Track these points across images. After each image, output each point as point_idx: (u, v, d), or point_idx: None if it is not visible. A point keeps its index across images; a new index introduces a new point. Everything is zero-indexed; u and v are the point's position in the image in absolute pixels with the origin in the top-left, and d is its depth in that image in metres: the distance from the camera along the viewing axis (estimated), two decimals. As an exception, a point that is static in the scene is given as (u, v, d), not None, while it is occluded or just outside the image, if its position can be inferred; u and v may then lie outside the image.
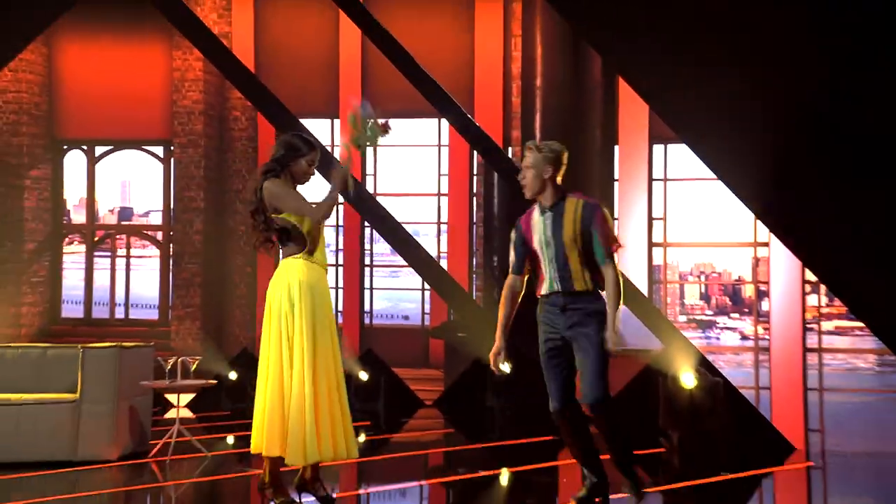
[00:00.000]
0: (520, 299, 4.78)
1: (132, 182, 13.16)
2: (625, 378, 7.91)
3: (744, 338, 9.76)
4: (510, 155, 9.69)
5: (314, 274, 4.90)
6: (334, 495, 4.96)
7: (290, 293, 4.77)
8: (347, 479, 5.93)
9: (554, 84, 9.05)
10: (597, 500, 4.66)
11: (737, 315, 10.18)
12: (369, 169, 12.08)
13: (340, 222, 12.38)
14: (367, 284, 12.45)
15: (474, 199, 11.44)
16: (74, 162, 12.73)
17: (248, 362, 8.74)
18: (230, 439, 7.59)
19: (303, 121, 9.32)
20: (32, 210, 12.27)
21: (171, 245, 12.36)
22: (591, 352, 4.50)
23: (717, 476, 6.15)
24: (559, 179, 4.70)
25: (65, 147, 12.68)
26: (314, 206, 4.82)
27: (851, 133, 5.90)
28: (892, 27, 5.21)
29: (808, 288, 8.03)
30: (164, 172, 12.59)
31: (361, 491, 4.90)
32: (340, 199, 11.97)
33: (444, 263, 11.07)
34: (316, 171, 5.04)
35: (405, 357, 11.41)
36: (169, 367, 6.31)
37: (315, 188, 5.52)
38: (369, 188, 11.64)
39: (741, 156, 6.58)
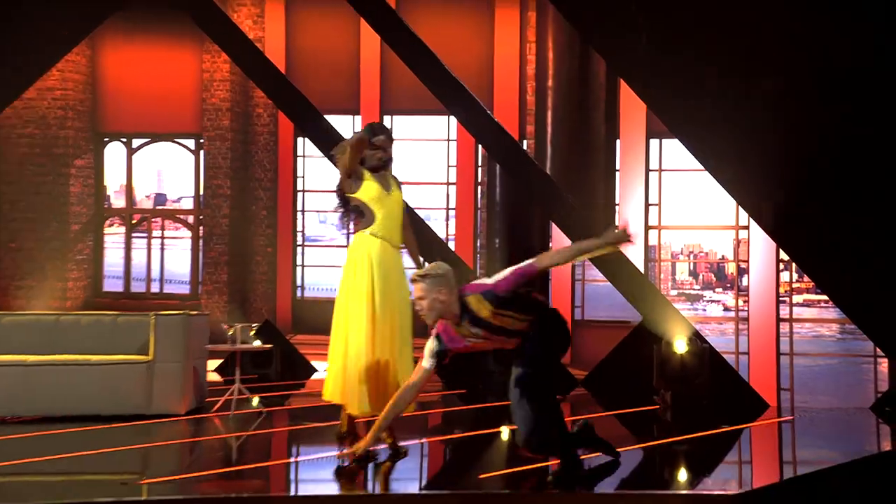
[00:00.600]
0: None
1: (166, 171, 12.87)
2: (611, 343, 7.89)
3: (726, 309, 9.73)
4: (525, 147, 9.55)
5: (380, 247, 4.90)
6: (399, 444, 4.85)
7: (362, 264, 4.76)
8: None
9: (564, 84, 8.91)
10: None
11: (720, 290, 10.13)
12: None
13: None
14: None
15: (479, 187, 11.31)
16: (114, 153, 12.46)
17: (270, 332, 8.57)
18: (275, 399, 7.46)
19: (327, 117, 9.14)
20: (77, 195, 12.00)
21: (201, 227, 12.16)
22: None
23: (714, 429, 6.11)
24: (452, 293, 4.12)
25: (106, 139, 12.39)
26: None
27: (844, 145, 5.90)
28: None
29: (781, 266, 7.99)
30: (194, 162, 12.36)
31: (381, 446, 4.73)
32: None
33: (451, 245, 10.92)
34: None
35: (415, 329, 11.30)
36: (231, 332, 6.16)
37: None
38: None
39: (726, 149, 6.57)
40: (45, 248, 11.76)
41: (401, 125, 11.63)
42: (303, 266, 12.43)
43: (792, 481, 4.63)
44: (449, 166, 11.50)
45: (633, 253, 8.19)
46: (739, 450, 6.18)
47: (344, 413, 4.85)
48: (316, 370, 8.51)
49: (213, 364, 8.64)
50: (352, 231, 5.11)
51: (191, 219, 12.47)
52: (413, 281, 4.22)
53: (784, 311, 8.01)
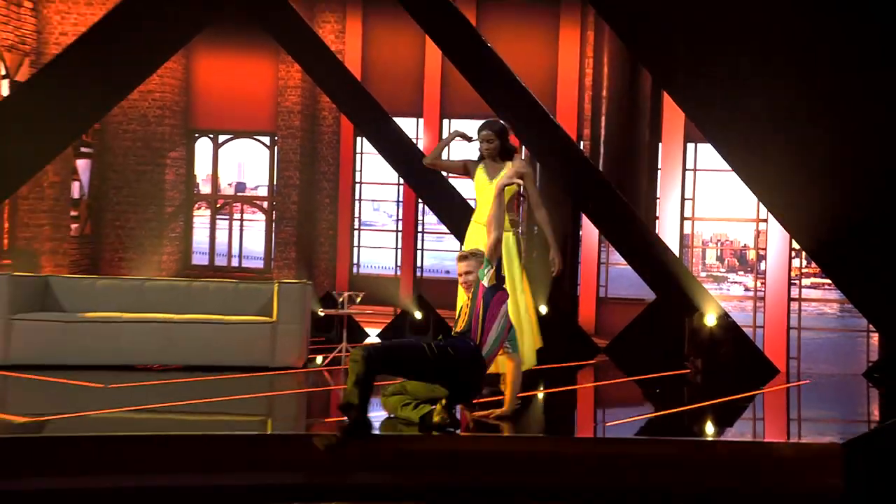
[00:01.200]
0: None
1: (246, 163, 12.99)
2: (630, 317, 7.89)
3: (746, 290, 9.69)
4: (581, 147, 9.50)
5: (474, 230, 5.05)
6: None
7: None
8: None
9: (615, 94, 8.90)
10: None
11: (742, 273, 10.12)
12: (444, 156, 11.96)
13: (400, 198, 12.31)
14: (419, 246, 12.42)
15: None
16: (203, 146, 12.54)
17: (330, 302, 8.57)
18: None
19: (396, 119, 9.18)
20: (171, 182, 12.09)
21: (274, 212, 12.25)
22: None
23: (741, 393, 6.09)
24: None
25: (196, 135, 12.47)
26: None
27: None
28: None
29: (793, 254, 8.01)
30: (269, 156, 12.44)
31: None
32: (400, 179, 11.88)
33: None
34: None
35: (447, 302, 11.30)
36: (341, 299, 6.29)
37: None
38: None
39: (750, 152, 6.64)
40: (145, 227, 11.88)
41: (457, 128, 11.67)
42: (359, 247, 12.57)
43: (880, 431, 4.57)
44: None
45: (671, 240, 8.26)
46: (754, 409, 6.16)
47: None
48: (368, 335, 8.41)
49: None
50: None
51: (265, 204, 12.59)
52: (461, 258, 4.35)
53: (794, 292, 8.06)
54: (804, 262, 8.79)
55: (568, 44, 10.69)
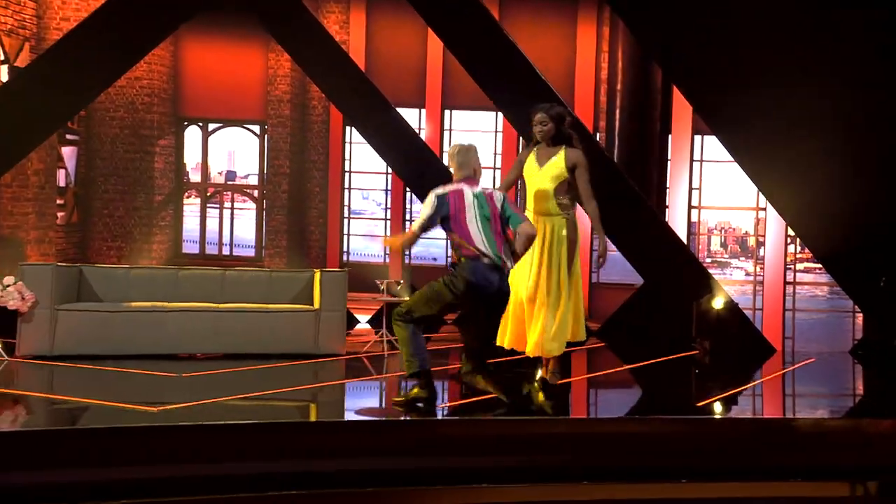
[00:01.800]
0: None
1: (236, 151, 12.76)
2: (621, 301, 8.04)
3: (747, 274, 9.99)
4: (597, 138, 9.60)
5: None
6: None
7: None
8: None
9: (629, 88, 9.04)
10: None
11: (743, 258, 10.41)
12: (446, 146, 12.03)
13: (389, 186, 12.32)
14: (407, 233, 12.46)
15: (520, 170, 11.46)
16: (192, 135, 12.31)
17: None
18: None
19: (399, 109, 9.18)
20: (160, 170, 11.85)
21: (264, 201, 12.15)
22: None
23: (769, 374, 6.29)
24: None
25: (185, 123, 12.24)
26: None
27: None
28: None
29: (789, 240, 8.34)
30: (259, 145, 12.30)
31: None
32: (388, 168, 11.89)
33: (497, 220, 11.07)
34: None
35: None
36: (383, 286, 6.33)
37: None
38: (445, 162, 11.56)
39: (754, 145, 6.88)
40: (134, 215, 11.63)
41: (458, 119, 11.80)
42: (348, 235, 12.56)
43: None
44: (495, 154, 11.71)
45: (680, 228, 8.49)
46: (754, 384, 6.48)
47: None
48: (358, 321, 8.30)
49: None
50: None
51: (256, 193, 12.45)
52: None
53: (789, 277, 8.38)
54: (798, 248, 9.10)
55: (585, 39, 10.90)
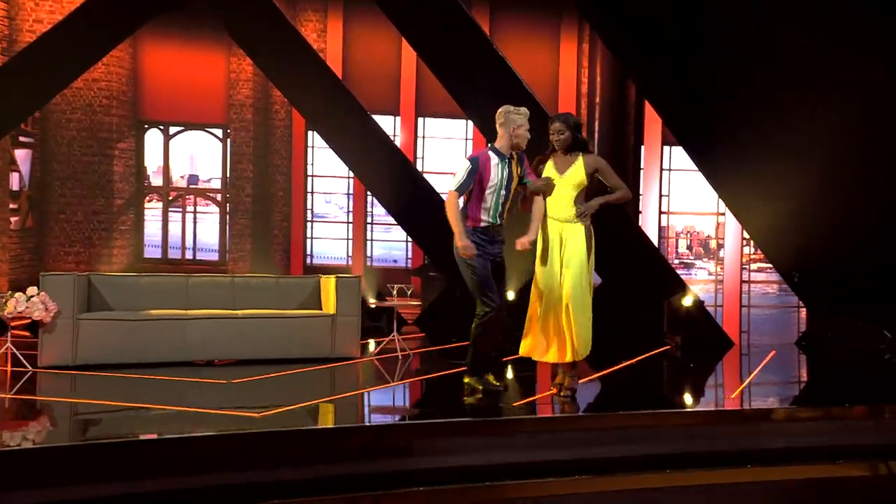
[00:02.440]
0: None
1: (198, 155, 12.50)
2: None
3: (710, 274, 10.49)
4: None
5: (547, 224, 4.93)
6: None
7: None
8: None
9: (607, 101, 9.36)
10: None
11: (706, 259, 10.88)
12: (419, 153, 12.18)
13: (351, 190, 12.38)
14: (368, 236, 12.61)
15: (487, 176, 11.68)
16: (153, 138, 12.01)
17: None
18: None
19: (374, 116, 9.28)
20: (120, 174, 11.53)
21: (228, 204, 12.00)
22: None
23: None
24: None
25: (146, 126, 11.93)
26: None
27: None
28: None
29: (744, 242, 8.86)
30: (222, 149, 12.14)
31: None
32: (350, 172, 12.00)
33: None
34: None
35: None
36: (394, 291, 6.47)
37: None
38: (418, 167, 11.69)
39: (717, 155, 7.36)
40: (93, 219, 11.28)
41: (431, 126, 11.97)
42: (311, 238, 12.56)
43: None
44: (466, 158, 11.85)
45: (651, 232, 8.91)
46: (715, 372, 6.82)
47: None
48: None
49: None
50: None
51: (219, 197, 12.27)
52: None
53: (745, 276, 8.95)
54: (752, 250, 9.67)
55: (567, 55, 11.22)
